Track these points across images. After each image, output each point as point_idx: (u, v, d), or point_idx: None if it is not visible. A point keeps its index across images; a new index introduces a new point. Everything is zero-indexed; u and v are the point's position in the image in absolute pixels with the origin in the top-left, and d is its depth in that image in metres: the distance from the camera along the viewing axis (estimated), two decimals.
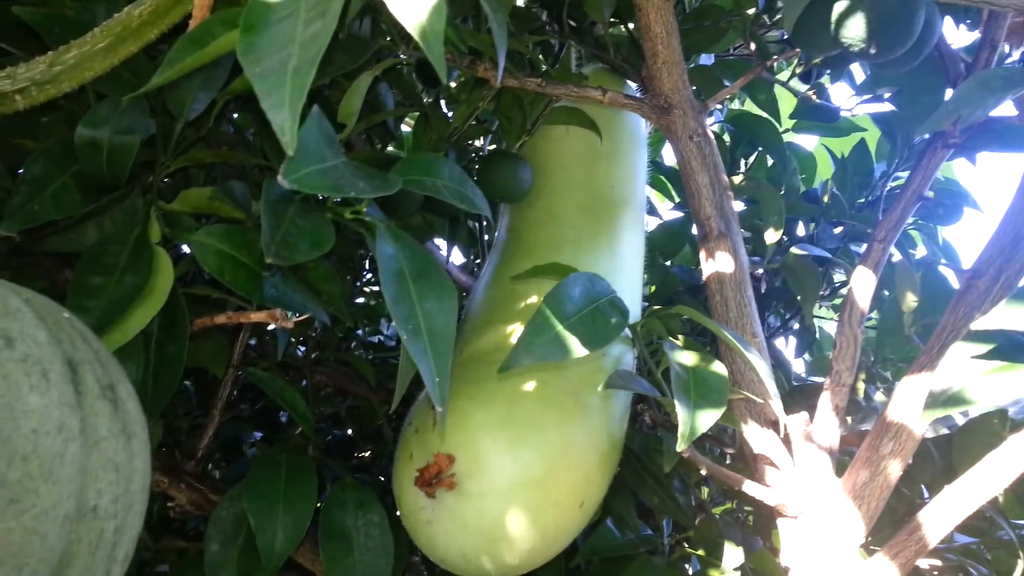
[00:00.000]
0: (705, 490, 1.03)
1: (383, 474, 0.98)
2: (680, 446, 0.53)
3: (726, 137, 1.15)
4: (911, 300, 0.70)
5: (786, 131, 1.14)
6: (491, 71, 0.71)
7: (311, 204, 0.53)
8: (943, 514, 0.55)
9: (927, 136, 0.77)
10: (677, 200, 1.20)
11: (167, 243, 0.61)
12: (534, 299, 0.76)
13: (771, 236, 0.85)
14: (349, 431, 1.18)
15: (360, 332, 1.25)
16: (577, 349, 0.56)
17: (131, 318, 0.56)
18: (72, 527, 0.36)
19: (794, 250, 0.90)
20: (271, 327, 0.95)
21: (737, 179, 1.03)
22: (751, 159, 1.15)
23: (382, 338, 1.29)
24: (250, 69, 0.38)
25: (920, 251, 1.15)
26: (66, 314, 0.43)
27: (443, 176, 0.54)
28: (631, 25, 0.89)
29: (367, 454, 1.15)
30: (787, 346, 1.21)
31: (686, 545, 0.82)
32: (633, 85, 0.88)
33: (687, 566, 0.83)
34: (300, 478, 0.68)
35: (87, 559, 0.38)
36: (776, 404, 0.60)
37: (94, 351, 0.42)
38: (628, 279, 0.82)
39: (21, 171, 0.63)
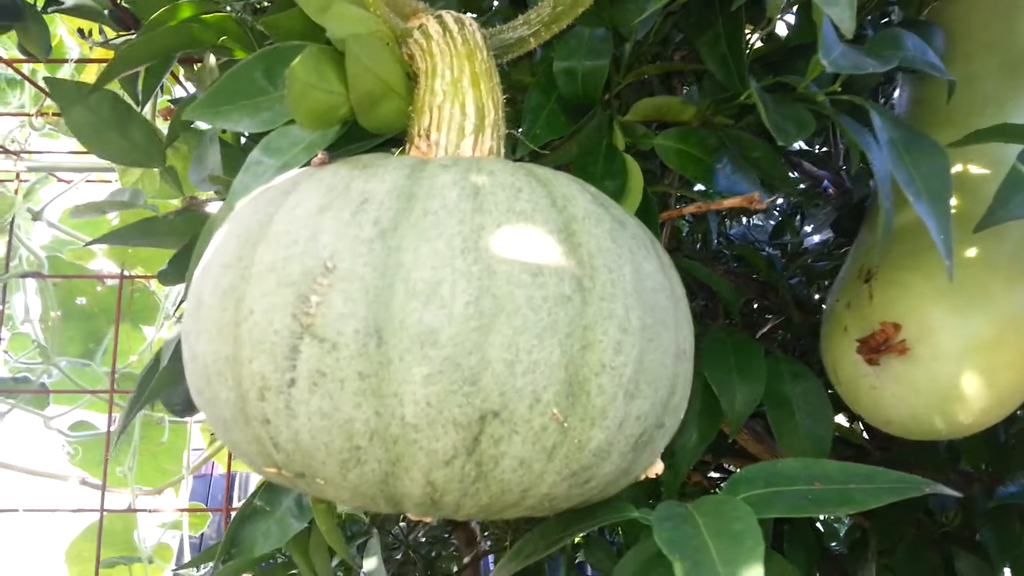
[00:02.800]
0: None
1: None
2: None
3: None
4: None
5: None
6: None
7: (781, 94, 0.59)
8: None
9: None
10: None
11: (628, 149, 0.71)
12: (959, 167, 0.75)
13: None
14: None
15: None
16: None
17: None
18: (675, 364, 0.47)
19: None
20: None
21: None
22: None
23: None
24: None
25: None
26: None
27: (909, 48, 0.56)
28: None
29: None
30: None
31: None
32: None
33: None
34: (747, 351, 0.76)
35: (683, 391, 0.48)
36: None
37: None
38: None
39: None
